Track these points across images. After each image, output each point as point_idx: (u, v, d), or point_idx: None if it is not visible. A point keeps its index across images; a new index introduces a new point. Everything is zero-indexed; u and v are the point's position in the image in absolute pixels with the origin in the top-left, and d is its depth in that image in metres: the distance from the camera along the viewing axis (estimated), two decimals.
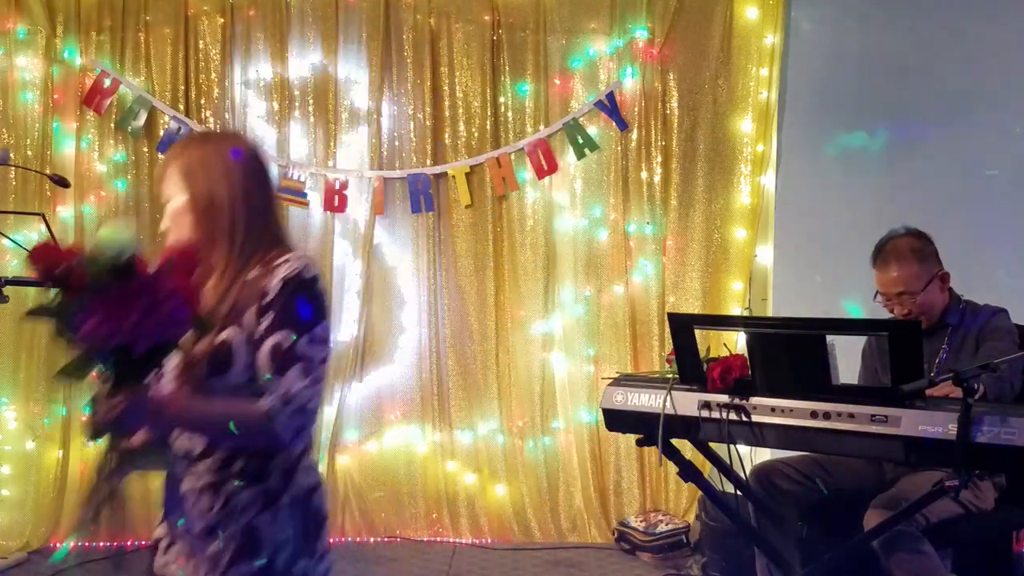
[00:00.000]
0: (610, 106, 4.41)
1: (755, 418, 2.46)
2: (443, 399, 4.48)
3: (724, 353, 2.61)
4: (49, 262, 1.47)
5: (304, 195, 4.39)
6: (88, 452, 4.17)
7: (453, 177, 4.44)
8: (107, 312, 1.44)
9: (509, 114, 4.48)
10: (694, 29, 4.42)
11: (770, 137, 4.39)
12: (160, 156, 4.31)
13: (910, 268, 2.89)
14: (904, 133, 4.33)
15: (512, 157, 4.45)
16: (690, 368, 2.60)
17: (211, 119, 4.42)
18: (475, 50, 4.45)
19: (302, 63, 4.43)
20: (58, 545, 4.22)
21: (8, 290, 3.15)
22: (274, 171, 4.36)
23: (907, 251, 2.91)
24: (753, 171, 4.41)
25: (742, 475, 2.85)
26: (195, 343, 1.63)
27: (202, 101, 4.42)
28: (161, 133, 4.37)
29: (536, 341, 4.50)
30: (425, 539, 4.41)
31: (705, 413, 2.54)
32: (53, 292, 1.47)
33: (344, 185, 4.40)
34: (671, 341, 2.66)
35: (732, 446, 2.53)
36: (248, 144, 1.82)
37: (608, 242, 4.48)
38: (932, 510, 2.62)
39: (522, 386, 4.50)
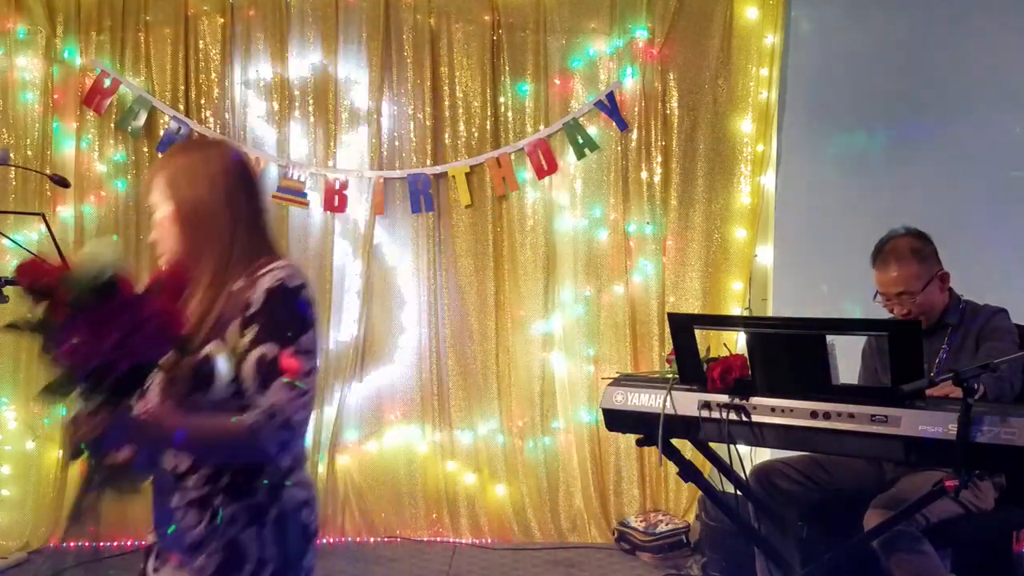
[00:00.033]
0: (610, 106, 4.41)
1: (755, 418, 2.46)
2: (443, 399, 4.48)
3: (724, 353, 2.61)
4: (34, 278, 1.46)
5: (304, 195, 4.40)
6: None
7: (453, 177, 4.44)
8: (87, 332, 1.43)
9: (509, 114, 4.48)
10: (694, 29, 4.42)
11: (770, 137, 4.39)
12: (161, 156, 4.31)
13: (910, 268, 2.89)
14: (904, 133, 4.33)
15: (512, 157, 4.45)
16: (690, 368, 2.59)
17: (211, 119, 4.42)
18: (475, 50, 4.45)
19: (302, 63, 4.43)
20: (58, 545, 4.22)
21: (8, 290, 3.14)
22: (269, 176, 4.40)
23: (907, 251, 2.91)
24: (753, 171, 4.41)
25: (742, 475, 2.85)
26: (176, 363, 1.61)
27: (202, 101, 4.42)
28: (161, 133, 4.37)
29: (536, 341, 4.50)
30: (425, 539, 4.41)
31: (705, 413, 2.54)
32: (39, 307, 1.46)
33: (344, 185, 4.40)
34: (671, 341, 2.66)
35: (732, 446, 2.53)
36: (233, 152, 1.81)
37: (608, 242, 4.49)
38: (932, 510, 2.62)
39: (522, 386, 4.50)
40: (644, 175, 4.45)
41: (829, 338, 2.37)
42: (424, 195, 4.40)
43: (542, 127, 4.44)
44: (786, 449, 2.67)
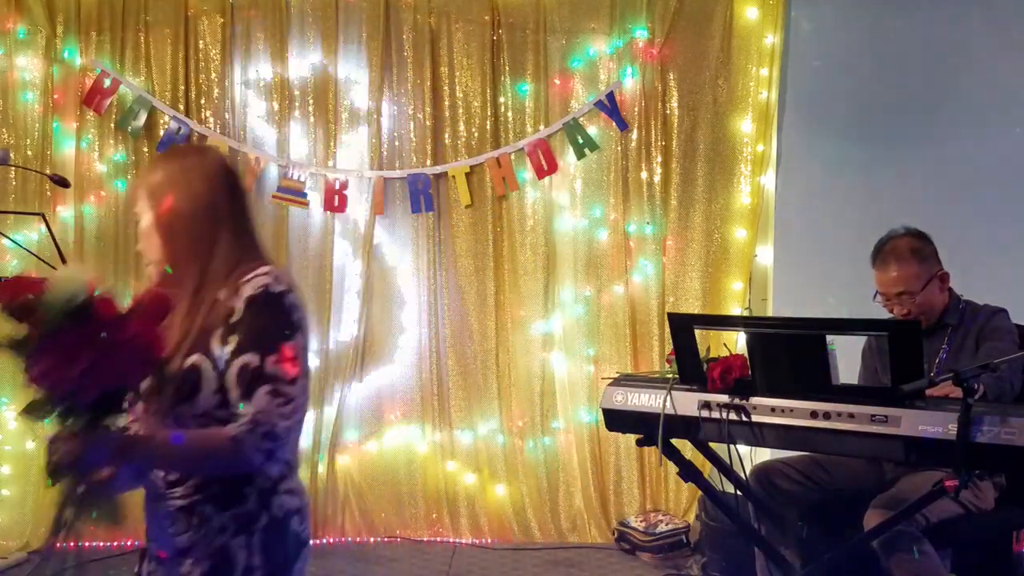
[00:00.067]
0: (610, 106, 4.41)
1: (755, 418, 2.46)
2: (443, 399, 4.48)
3: (724, 353, 2.61)
4: (13, 296, 1.45)
5: (304, 195, 4.40)
6: None
7: (453, 177, 4.44)
8: (58, 357, 1.43)
9: (509, 114, 4.48)
10: (694, 29, 4.42)
11: (770, 137, 4.39)
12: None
13: (910, 268, 2.89)
14: (904, 133, 4.33)
15: (512, 157, 4.45)
16: (690, 368, 2.59)
17: (211, 119, 4.42)
18: (475, 50, 4.45)
19: (302, 63, 4.43)
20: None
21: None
22: (269, 176, 4.39)
23: (907, 251, 2.91)
24: (753, 171, 4.41)
25: (742, 475, 2.85)
26: (156, 388, 1.61)
27: (202, 101, 4.42)
28: (161, 133, 4.37)
29: (536, 341, 4.50)
30: (425, 539, 4.41)
31: (705, 413, 2.54)
32: (18, 326, 1.46)
33: (344, 185, 4.40)
34: (671, 341, 2.66)
35: (732, 446, 2.53)
36: (216, 158, 1.80)
37: (608, 242, 4.49)
38: (932, 510, 2.62)
39: (522, 386, 4.50)
40: (644, 175, 4.45)
41: (829, 338, 2.37)
42: (424, 195, 4.41)
43: (542, 127, 4.44)
44: (786, 449, 2.67)
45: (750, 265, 4.43)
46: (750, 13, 4.39)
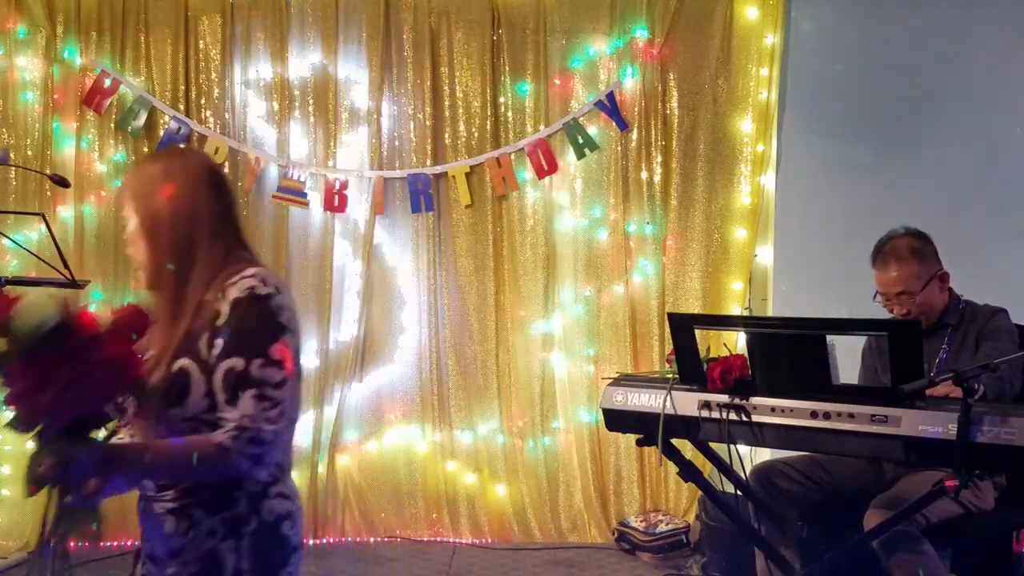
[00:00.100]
0: (610, 106, 4.41)
1: (755, 418, 2.46)
2: (443, 399, 4.48)
3: (724, 353, 2.61)
4: None
5: (304, 195, 4.40)
6: None
7: (453, 177, 4.44)
8: (27, 383, 1.43)
9: (509, 114, 4.48)
10: (694, 29, 4.42)
11: (770, 137, 4.39)
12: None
13: (909, 268, 2.89)
14: (904, 133, 4.33)
15: (512, 157, 4.45)
16: (690, 368, 2.59)
17: (211, 119, 4.42)
18: (475, 50, 4.45)
19: (302, 63, 4.43)
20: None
21: (8, 290, 3.14)
22: (269, 176, 4.39)
23: (906, 251, 2.91)
24: (753, 171, 4.41)
25: (742, 475, 2.85)
26: (137, 407, 1.61)
27: (202, 101, 4.42)
28: (161, 133, 4.37)
29: (536, 341, 4.50)
30: (425, 539, 4.41)
31: (705, 413, 2.54)
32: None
33: (344, 185, 4.40)
34: (671, 341, 2.66)
35: (732, 446, 2.53)
36: (199, 161, 1.79)
37: (608, 242, 4.49)
38: (932, 510, 2.62)
39: (522, 386, 4.50)
40: (644, 175, 4.45)
41: (829, 338, 2.37)
42: (424, 195, 4.40)
43: (542, 127, 4.44)
44: (786, 449, 2.67)
45: (750, 265, 4.43)
46: (750, 13, 4.39)
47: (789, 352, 2.43)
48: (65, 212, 4.35)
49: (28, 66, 4.35)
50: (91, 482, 1.55)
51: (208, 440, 1.57)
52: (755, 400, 2.46)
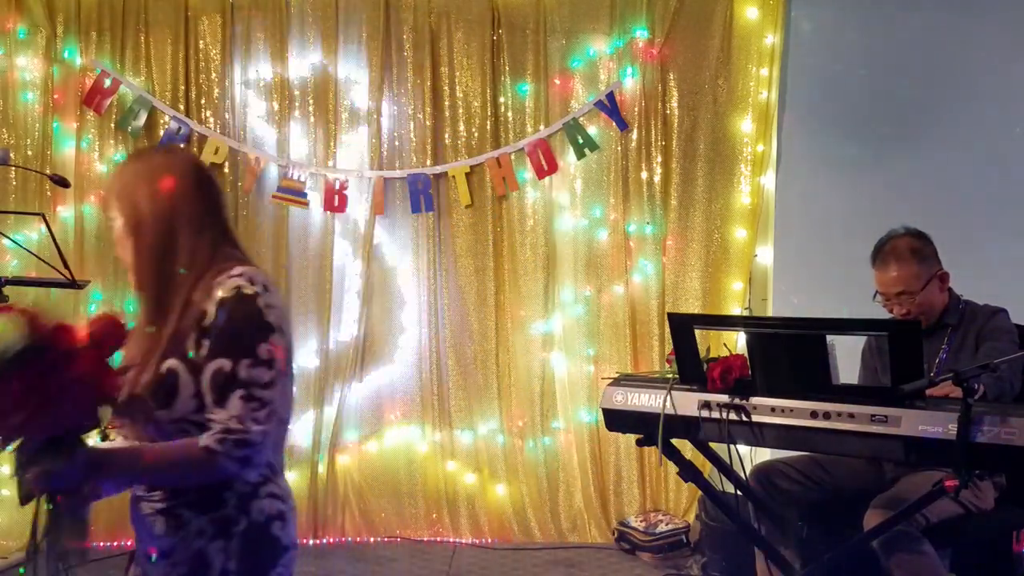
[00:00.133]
0: (610, 106, 4.41)
1: (755, 418, 2.46)
2: (443, 399, 4.48)
3: (724, 353, 2.61)
4: None
5: (304, 195, 4.39)
6: None
7: (453, 177, 4.44)
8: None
9: (509, 114, 4.48)
10: (694, 29, 4.42)
11: (770, 137, 4.39)
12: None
13: (909, 268, 2.89)
14: (904, 133, 4.33)
15: (512, 157, 4.45)
16: (690, 368, 2.60)
17: (211, 119, 4.42)
18: (475, 50, 4.45)
19: (302, 63, 4.43)
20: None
21: (8, 290, 3.15)
22: (269, 176, 4.39)
23: (906, 251, 2.91)
24: (753, 171, 4.41)
25: (742, 475, 2.85)
26: (131, 398, 1.60)
27: (202, 101, 4.42)
28: (161, 133, 4.37)
29: (536, 341, 4.50)
30: (425, 539, 4.41)
31: (705, 413, 2.54)
32: None
33: (344, 185, 4.40)
34: (671, 341, 2.66)
35: (732, 446, 2.53)
36: (183, 159, 1.77)
37: (608, 242, 4.48)
38: (932, 510, 2.62)
39: (522, 386, 4.50)
40: (644, 175, 4.45)
41: (829, 338, 2.37)
42: (424, 195, 4.40)
43: (542, 127, 4.44)
44: (786, 449, 2.67)
45: (750, 265, 4.43)
46: (750, 13, 4.39)
47: (789, 352, 2.43)
48: (65, 212, 4.35)
49: (28, 66, 4.35)
50: (80, 489, 1.55)
51: (195, 443, 1.56)
52: (755, 400, 2.47)
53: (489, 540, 4.40)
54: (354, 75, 4.44)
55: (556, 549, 4.29)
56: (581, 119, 4.43)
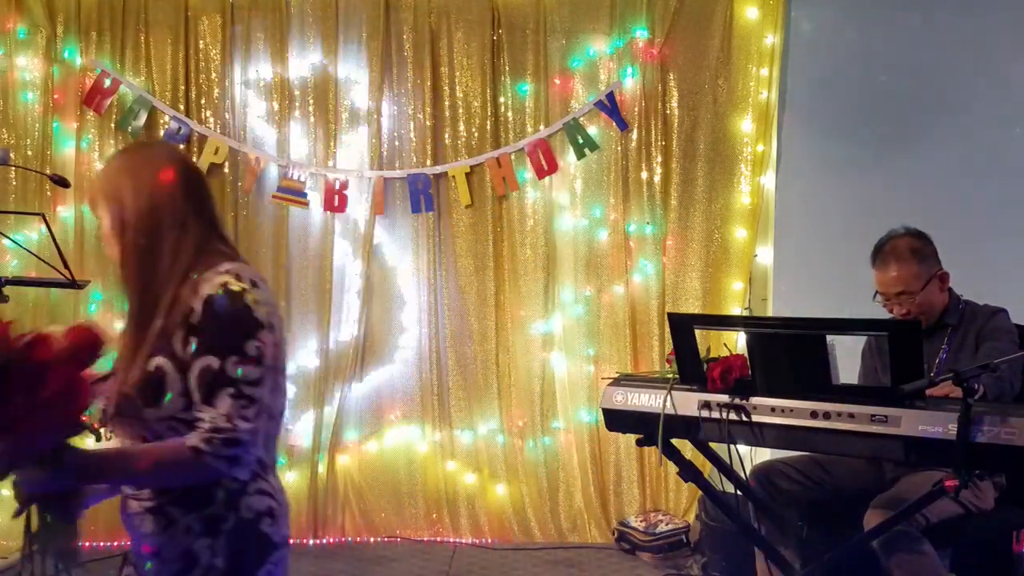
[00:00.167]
0: (610, 106, 4.41)
1: (755, 418, 2.46)
2: (443, 399, 4.48)
3: (724, 353, 2.61)
4: None
5: (304, 195, 4.39)
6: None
7: (453, 177, 4.44)
8: None
9: (509, 114, 4.48)
10: (694, 29, 4.42)
11: (770, 137, 4.39)
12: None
13: (909, 268, 2.89)
14: (904, 133, 4.33)
15: (512, 157, 4.45)
16: (690, 368, 2.60)
17: (211, 119, 4.42)
18: (475, 50, 4.45)
19: (302, 63, 4.43)
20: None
21: (8, 290, 3.14)
22: (269, 176, 4.39)
23: (906, 251, 2.91)
24: (753, 171, 4.41)
25: (742, 475, 2.85)
26: (120, 396, 1.60)
27: (202, 101, 4.42)
28: (161, 133, 4.37)
29: (536, 341, 4.50)
30: (425, 539, 4.41)
31: (705, 413, 2.54)
32: None
33: (344, 185, 4.40)
34: (671, 341, 2.66)
35: (732, 446, 2.53)
36: (166, 155, 1.75)
37: (608, 242, 4.48)
38: (932, 510, 2.62)
39: (522, 386, 4.50)
40: (644, 175, 4.44)
41: (829, 338, 2.37)
42: (424, 195, 4.40)
43: (542, 127, 4.44)
44: (786, 449, 2.67)
45: (750, 265, 4.43)
46: (750, 13, 4.39)
47: (789, 352, 2.43)
48: (65, 212, 4.35)
49: (28, 66, 4.35)
50: (69, 493, 1.56)
51: (182, 444, 1.55)
52: (755, 400, 2.47)
53: (489, 540, 4.40)
54: (354, 75, 4.44)
55: (556, 549, 4.29)
56: (581, 119, 4.43)
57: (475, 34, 4.44)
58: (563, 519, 4.45)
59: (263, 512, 1.66)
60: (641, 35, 4.41)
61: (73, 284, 3.23)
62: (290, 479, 4.37)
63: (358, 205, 4.45)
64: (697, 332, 2.60)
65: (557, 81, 4.47)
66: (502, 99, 4.47)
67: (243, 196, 4.39)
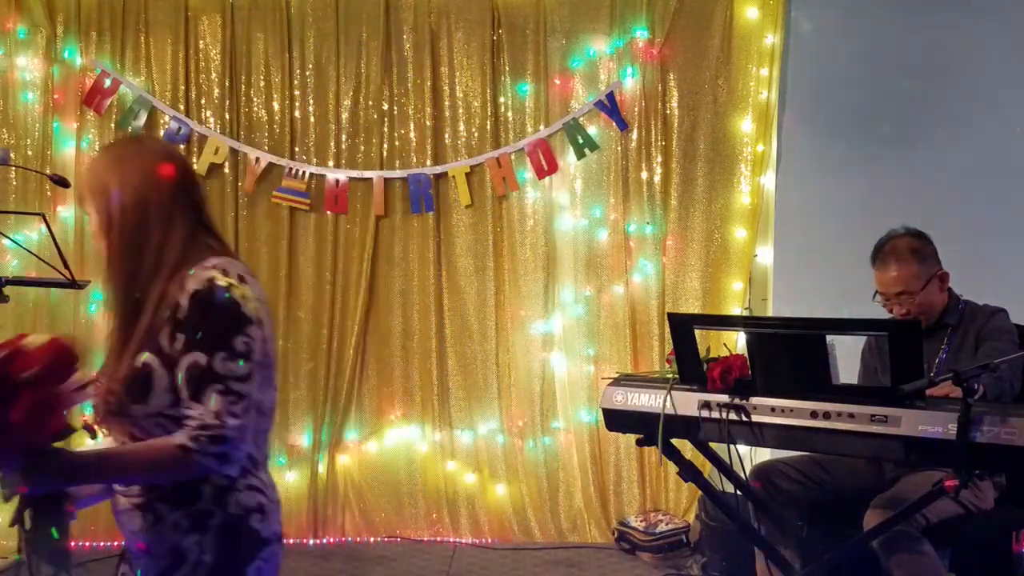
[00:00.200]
0: (610, 106, 4.40)
1: (755, 418, 2.46)
2: (443, 399, 4.48)
3: (724, 353, 2.61)
4: None
5: (305, 195, 4.39)
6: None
7: (453, 177, 4.44)
8: None
9: (509, 114, 4.47)
10: (694, 29, 4.42)
11: (770, 137, 4.39)
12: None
13: (909, 268, 2.89)
14: (904, 133, 4.33)
15: (512, 157, 4.45)
16: (690, 368, 2.60)
17: (211, 119, 4.42)
18: (475, 50, 4.45)
19: (302, 63, 4.42)
20: None
21: (8, 290, 3.14)
22: (274, 175, 4.39)
23: (906, 251, 2.91)
24: (753, 171, 4.41)
25: (742, 475, 2.85)
26: (109, 391, 1.59)
27: (202, 101, 4.42)
28: (161, 133, 4.36)
29: (536, 341, 4.50)
30: (425, 539, 4.41)
31: (705, 413, 2.54)
32: None
33: (344, 185, 4.40)
34: (671, 341, 2.66)
35: (732, 446, 2.53)
36: (151, 149, 1.74)
37: (608, 242, 4.48)
38: (932, 510, 2.62)
39: (522, 386, 4.50)
40: (644, 175, 4.44)
41: (829, 338, 2.37)
42: (424, 195, 4.40)
43: (542, 127, 4.44)
44: (786, 449, 2.67)
45: (750, 265, 4.43)
46: (750, 13, 4.39)
47: (789, 352, 2.43)
48: (65, 212, 4.35)
49: (28, 66, 4.35)
50: (59, 494, 1.56)
51: (169, 442, 1.55)
52: (755, 400, 2.47)
53: (489, 540, 4.40)
54: (354, 75, 4.44)
55: (556, 549, 4.29)
56: (581, 119, 4.43)
57: (475, 34, 4.44)
58: (563, 519, 4.45)
59: (253, 508, 1.66)
60: (641, 35, 4.41)
61: (73, 284, 3.23)
62: (290, 479, 4.37)
63: (358, 205, 4.45)
64: (697, 332, 2.60)
65: (557, 81, 4.47)
66: (502, 99, 4.47)
67: (243, 196, 4.39)
